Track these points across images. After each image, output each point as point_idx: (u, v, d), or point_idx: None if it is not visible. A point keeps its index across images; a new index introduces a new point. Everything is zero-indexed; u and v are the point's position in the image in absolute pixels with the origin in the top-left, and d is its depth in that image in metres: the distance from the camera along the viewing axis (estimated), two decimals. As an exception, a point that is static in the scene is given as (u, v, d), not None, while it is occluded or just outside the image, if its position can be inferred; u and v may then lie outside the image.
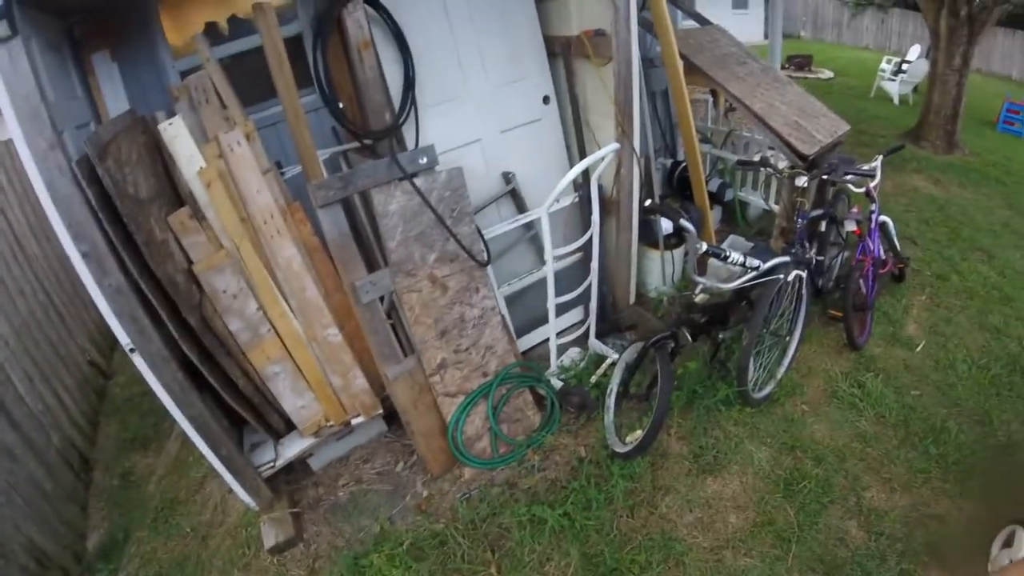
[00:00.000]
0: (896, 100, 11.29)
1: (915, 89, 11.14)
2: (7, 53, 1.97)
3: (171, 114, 2.78)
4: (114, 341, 5.29)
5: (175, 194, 2.75)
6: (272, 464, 2.88)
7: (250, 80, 3.21)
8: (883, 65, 12.06)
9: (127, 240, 2.35)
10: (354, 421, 2.98)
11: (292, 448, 2.93)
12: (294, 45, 3.52)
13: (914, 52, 11.95)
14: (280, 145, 3.40)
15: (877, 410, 3.19)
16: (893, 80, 11.48)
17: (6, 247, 4.05)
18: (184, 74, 3.39)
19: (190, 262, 2.60)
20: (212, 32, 3.64)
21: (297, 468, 3.08)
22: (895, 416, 3.15)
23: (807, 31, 22.58)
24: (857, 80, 13.55)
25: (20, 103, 2.01)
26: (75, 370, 4.23)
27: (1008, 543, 2.34)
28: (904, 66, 11.53)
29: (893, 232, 4.13)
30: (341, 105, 2.96)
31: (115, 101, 3.29)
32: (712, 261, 2.84)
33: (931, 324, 4.00)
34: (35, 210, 4.88)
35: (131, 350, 2.37)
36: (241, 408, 2.77)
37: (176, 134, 2.64)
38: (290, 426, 2.96)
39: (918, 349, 3.71)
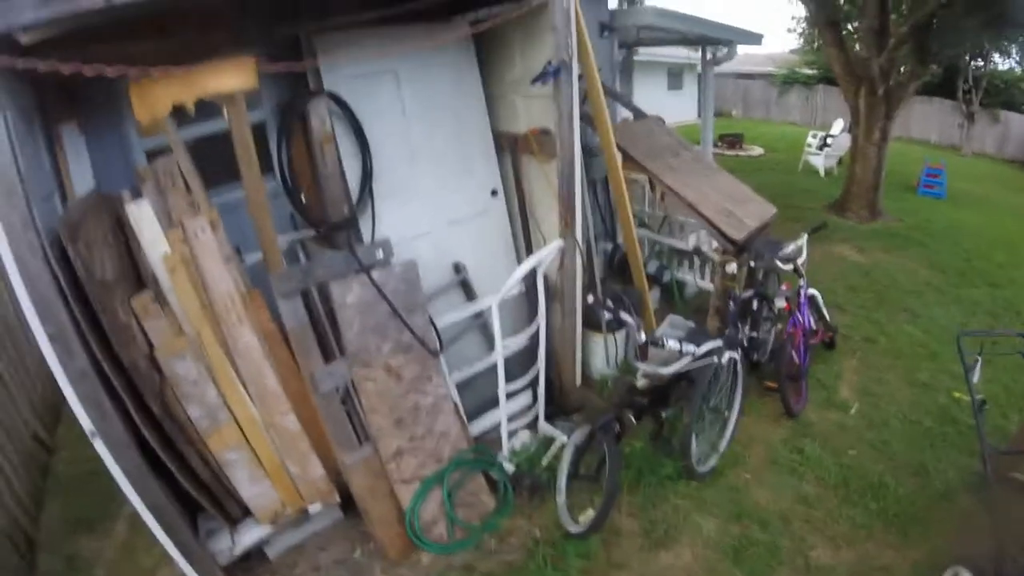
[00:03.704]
0: (822, 173, 12.07)
1: (839, 161, 11.90)
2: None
3: (136, 192, 2.82)
4: (59, 415, 5.08)
5: (137, 274, 2.77)
6: (229, 552, 2.82)
7: (213, 162, 3.25)
8: (809, 140, 12.89)
9: (92, 322, 2.34)
10: (311, 508, 2.95)
11: (249, 536, 2.88)
12: (256, 132, 3.64)
13: (838, 126, 12.86)
14: (239, 229, 3.41)
15: (817, 473, 3.34)
16: (818, 154, 12.25)
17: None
18: (149, 153, 3.46)
19: (151, 346, 2.59)
20: (179, 113, 3.76)
21: (253, 556, 3.01)
22: (834, 477, 3.31)
23: (738, 109, 24.00)
24: (785, 155, 14.44)
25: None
26: (19, 444, 3.99)
27: None
28: (828, 140, 12.36)
29: (821, 304, 4.42)
30: (304, 197, 3.09)
31: (80, 174, 3.30)
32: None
33: (862, 386, 4.24)
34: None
35: (93, 435, 2.32)
36: (199, 495, 2.73)
37: (142, 216, 2.67)
38: (247, 512, 2.90)
39: (852, 411, 3.93)
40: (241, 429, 2.78)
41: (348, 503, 3.05)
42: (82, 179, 3.31)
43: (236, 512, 2.91)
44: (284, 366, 2.93)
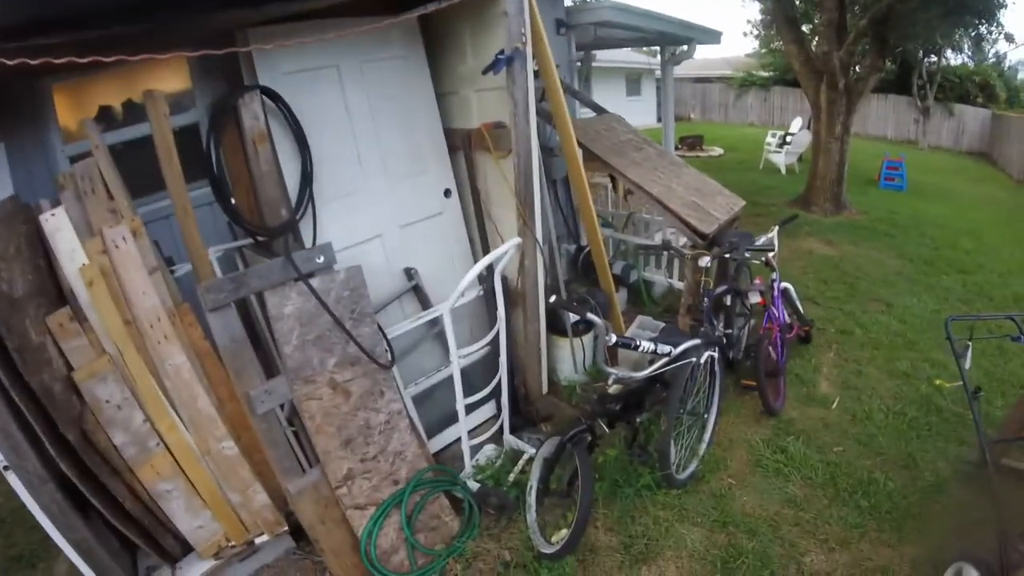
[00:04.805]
0: (783, 170, 12.22)
1: (800, 158, 12.09)
2: None
3: (57, 203, 2.59)
4: (-3, 442, 4.75)
5: (58, 291, 2.55)
6: None
7: (146, 169, 3.02)
8: (768, 139, 13.13)
9: None
10: (258, 540, 2.74)
11: (191, 572, 2.67)
12: (191, 135, 3.40)
13: (796, 124, 13.09)
14: (174, 240, 3.19)
15: (803, 473, 3.21)
16: (779, 152, 12.45)
17: None
18: (75, 159, 3.19)
19: (70, 368, 2.39)
20: (107, 116, 3.50)
21: (198, 593, 2.75)
22: (821, 476, 3.19)
23: (696, 113, 24.47)
24: (746, 154, 14.60)
25: None
26: None
27: None
28: (788, 138, 12.57)
29: (795, 297, 4.31)
30: (233, 201, 2.83)
31: None
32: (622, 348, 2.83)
33: (842, 379, 4.14)
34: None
35: (5, 468, 2.15)
36: (129, 531, 2.52)
37: (58, 226, 2.46)
38: (187, 548, 2.70)
39: (834, 406, 3.82)
40: (174, 457, 2.56)
41: (300, 531, 2.80)
42: (2, 191, 3.04)
43: (175, 548, 2.71)
44: (221, 386, 2.71)
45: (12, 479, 2.16)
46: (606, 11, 5.50)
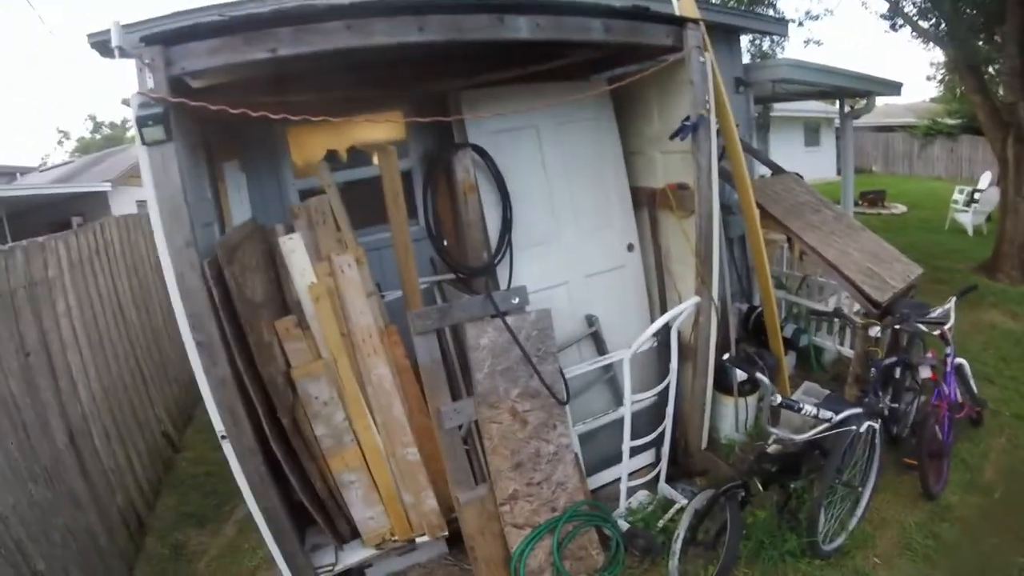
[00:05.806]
0: (970, 231, 11.03)
1: (988, 218, 10.87)
2: (160, 156, 2.24)
3: (289, 227, 3.09)
4: (190, 418, 5.57)
5: (282, 300, 3.03)
6: (331, 568, 2.94)
7: (358, 205, 3.51)
8: (955, 196, 11.85)
9: (238, 337, 2.57)
10: (418, 539, 3.03)
11: (353, 555, 3.00)
12: (402, 179, 3.84)
13: (985, 180, 11.77)
14: (380, 268, 3.64)
15: (953, 561, 3.05)
16: (966, 211, 11.24)
17: (111, 313, 4.45)
18: (302, 192, 3.79)
19: (289, 366, 2.81)
20: (331, 158, 4.01)
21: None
22: (970, 568, 3.02)
23: (878, 164, 22.36)
24: (931, 212, 13.33)
25: (165, 202, 2.27)
26: (149, 437, 4.46)
27: None
28: (976, 195, 11.34)
29: (969, 375, 4.05)
30: (446, 243, 3.26)
31: (238, 207, 3.65)
32: (785, 409, 2.89)
33: (1011, 467, 3.82)
34: (141, 282, 5.36)
35: (223, 437, 2.52)
36: (313, 509, 2.90)
37: (293, 249, 2.92)
38: (355, 533, 3.03)
39: (996, 495, 3.55)
40: (363, 454, 2.93)
41: (453, 539, 3.11)
42: (240, 211, 3.65)
43: (345, 531, 3.04)
44: (412, 400, 3.07)
45: (227, 448, 2.53)
46: (783, 68, 5.53)
